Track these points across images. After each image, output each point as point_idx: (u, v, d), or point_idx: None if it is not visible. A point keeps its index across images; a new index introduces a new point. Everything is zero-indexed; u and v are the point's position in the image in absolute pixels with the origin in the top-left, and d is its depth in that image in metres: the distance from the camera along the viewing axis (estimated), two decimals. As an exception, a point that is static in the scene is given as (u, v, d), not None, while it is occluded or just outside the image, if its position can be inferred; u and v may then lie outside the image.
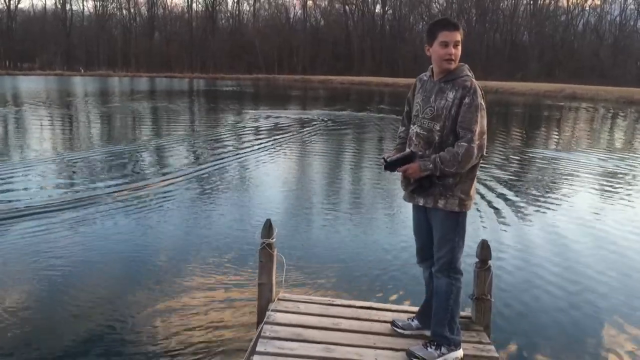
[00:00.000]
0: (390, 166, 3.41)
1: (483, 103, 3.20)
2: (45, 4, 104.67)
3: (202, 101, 39.28)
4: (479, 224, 8.25)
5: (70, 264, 6.34)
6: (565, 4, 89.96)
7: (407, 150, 3.46)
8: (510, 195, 10.52)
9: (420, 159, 3.32)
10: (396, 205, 9.51)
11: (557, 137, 22.94)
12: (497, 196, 10.30)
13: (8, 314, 5.04)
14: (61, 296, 5.53)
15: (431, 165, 3.24)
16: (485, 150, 3.26)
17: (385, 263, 6.54)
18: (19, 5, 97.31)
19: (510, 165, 14.19)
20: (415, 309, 3.94)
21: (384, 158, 3.46)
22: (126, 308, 5.22)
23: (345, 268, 6.31)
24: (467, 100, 3.17)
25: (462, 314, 3.85)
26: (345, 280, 5.93)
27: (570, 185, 11.78)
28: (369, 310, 4.08)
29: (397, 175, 3.48)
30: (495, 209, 9.34)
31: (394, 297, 5.49)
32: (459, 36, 3.25)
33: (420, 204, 3.46)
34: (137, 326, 4.86)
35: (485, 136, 3.23)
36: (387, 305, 4.34)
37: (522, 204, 9.85)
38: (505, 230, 8.11)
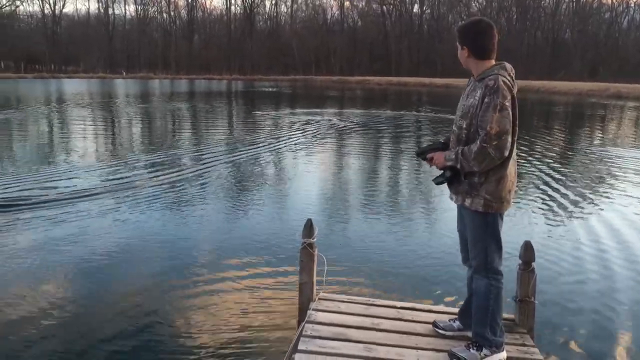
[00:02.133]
0: (421, 153, 3.59)
1: (506, 103, 3.15)
2: (88, 8, 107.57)
3: (241, 102, 39.70)
4: (523, 224, 8.13)
5: (110, 253, 6.59)
6: (610, 1, 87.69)
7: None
8: (555, 193, 10.32)
9: (450, 151, 3.41)
10: (441, 203, 9.44)
11: (602, 134, 22.38)
12: (543, 194, 10.13)
13: (47, 302, 5.23)
14: (100, 285, 5.72)
15: (454, 157, 3.31)
16: (507, 152, 3.19)
17: (427, 262, 6.51)
18: (64, 10, 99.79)
19: (555, 162, 13.90)
20: (458, 310, 3.91)
21: (418, 146, 3.61)
22: (164, 303, 5.32)
23: (386, 268, 6.29)
24: (486, 99, 3.17)
25: (506, 316, 3.80)
26: (386, 280, 5.91)
27: (619, 182, 11.49)
28: (410, 311, 4.06)
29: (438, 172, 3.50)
30: (541, 207, 9.18)
31: (435, 297, 5.46)
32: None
33: (454, 201, 3.51)
34: (175, 322, 4.94)
35: (507, 137, 3.16)
36: (429, 306, 4.31)
37: (568, 202, 9.65)
38: (550, 230, 7.97)
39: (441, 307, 4.43)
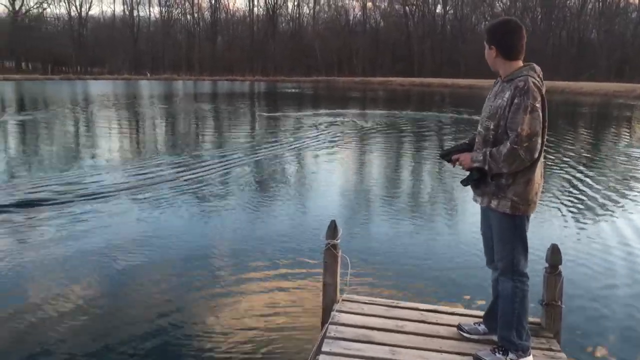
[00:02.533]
0: (446, 155, 3.57)
1: (537, 105, 3.12)
2: (114, 11, 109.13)
3: (263, 103, 39.89)
4: (550, 226, 8.02)
5: (135, 251, 6.69)
6: (637, 1, 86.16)
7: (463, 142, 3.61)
8: (582, 195, 10.17)
9: (476, 152, 3.39)
10: (464, 205, 9.38)
11: (629, 135, 21.99)
12: (569, 196, 9.99)
13: (73, 299, 5.31)
14: (125, 284, 5.80)
15: (481, 158, 3.28)
16: (537, 153, 3.17)
17: (451, 264, 6.45)
18: (90, 12, 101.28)
19: (582, 164, 13.69)
20: (482, 313, 3.87)
21: (442, 147, 3.58)
22: (187, 302, 5.35)
23: (409, 269, 6.26)
24: (516, 100, 3.14)
25: (532, 319, 3.75)
26: (410, 282, 5.88)
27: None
28: (434, 314, 4.03)
29: (463, 173, 3.48)
30: (568, 209, 9.05)
31: (460, 300, 5.40)
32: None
33: (478, 203, 3.48)
34: (197, 322, 4.96)
35: (537, 139, 3.13)
36: (453, 309, 4.27)
37: (595, 205, 9.50)
38: (578, 232, 7.85)
39: (465, 310, 4.38)
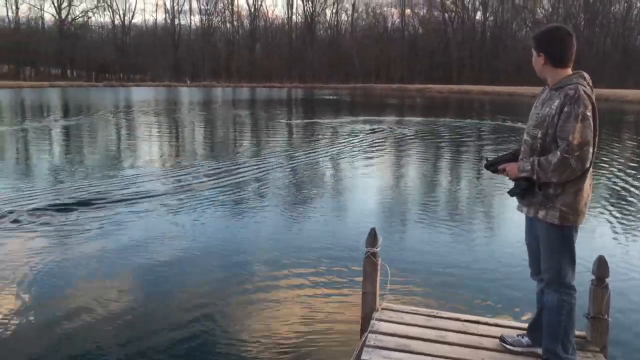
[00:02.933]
0: (491, 165, 3.51)
1: (588, 113, 3.05)
2: (156, 19, 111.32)
3: (300, 109, 40.10)
4: (597, 237, 7.81)
5: (171, 256, 6.80)
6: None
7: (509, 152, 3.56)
8: (630, 206, 9.89)
9: (523, 161, 3.31)
10: (505, 214, 9.22)
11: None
12: (617, 207, 9.72)
13: (110, 300, 5.42)
14: (161, 287, 5.88)
15: (529, 167, 3.21)
16: (589, 163, 3.10)
17: (494, 275, 6.33)
18: (133, 21, 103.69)
19: (629, 174, 13.29)
20: (526, 325, 3.78)
21: (486, 158, 3.53)
22: (223, 308, 5.38)
23: (450, 279, 6.17)
24: (566, 109, 3.08)
25: (577, 333, 3.64)
26: (450, 291, 5.79)
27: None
28: (476, 324, 3.96)
29: (511, 182, 3.41)
30: (616, 220, 8.80)
31: (502, 311, 5.29)
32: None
33: (524, 213, 3.41)
34: (233, 328, 4.97)
35: (588, 148, 3.06)
36: (496, 320, 4.18)
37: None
38: (627, 245, 7.63)
39: (508, 321, 4.28)
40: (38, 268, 6.35)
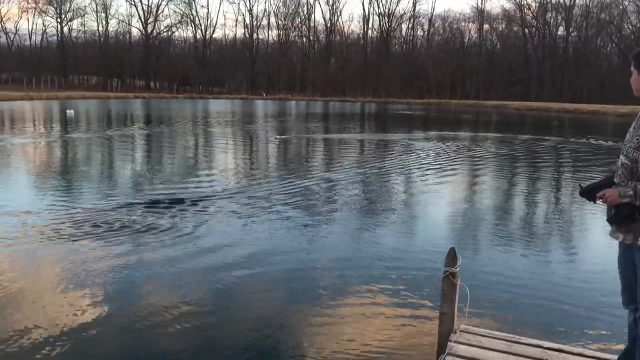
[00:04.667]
0: (587, 193, 3.33)
1: None
2: (235, 34, 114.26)
3: (373, 124, 40.05)
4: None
5: (238, 265, 6.98)
6: None
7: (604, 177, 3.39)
8: None
9: (621, 186, 3.13)
10: (591, 238, 8.85)
11: None
12: None
13: (177, 304, 5.58)
14: (226, 296, 6.03)
15: (631, 193, 3.04)
16: None
17: (578, 301, 6.07)
18: (214, 35, 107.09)
19: None
20: (613, 357, 3.59)
21: (579, 184, 3.34)
22: (291, 322, 5.40)
23: (532, 303, 5.95)
24: None
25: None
26: (532, 316, 5.58)
27: None
28: (558, 353, 3.80)
29: (594, 206, 3.27)
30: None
31: (588, 340, 5.05)
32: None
33: (619, 240, 3.23)
34: (304, 347, 4.94)
35: None
36: (581, 349, 4.00)
37: None
38: None
39: (595, 352, 4.08)
40: (115, 268, 6.64)
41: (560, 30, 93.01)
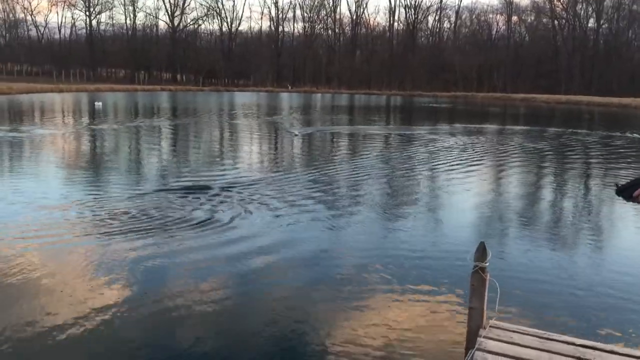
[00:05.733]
0: (623, 191, 3.19)
1: None
2: (261, 27, 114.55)
3: (398, 116, 39.80)
4: None
5: (266, 255, 6.96)
6: None
7: None
8: None
9: None
10: (630, 236, 8.68)
11: None
12: None
13: (204, 295, 5.60)
14: (253, 287, 6.05)
15: None
16: None
17: (611, 299, 5.94)
18: (239, 28, 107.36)
19: None
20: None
21: (616, 184, 3.23)
22: (319, 314, 5.38)
23: (564, 299, 5.87)
24: None
25: None
26: (563, 313, 5.48)
27: None
28: (592, 350, 3.71)
29: (627, 203, 3.17)
30: None
31: (621, 338, 4.94)
32: None
33: None
34: (332, 338, 4.93)
35: None
36: (613, 347, 3.90)
37: None
38: None
39: (629, 349, 3.98)
40: (142, 253, 6.70)
41: (591, 22, 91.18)
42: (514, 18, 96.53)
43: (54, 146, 18.11)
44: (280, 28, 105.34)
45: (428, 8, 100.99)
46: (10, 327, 4.91)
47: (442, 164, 15.71)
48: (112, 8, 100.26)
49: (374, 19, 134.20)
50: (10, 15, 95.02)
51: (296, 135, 22.91)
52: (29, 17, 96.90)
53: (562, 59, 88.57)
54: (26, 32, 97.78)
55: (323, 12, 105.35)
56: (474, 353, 3.54)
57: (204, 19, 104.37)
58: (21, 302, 5.46)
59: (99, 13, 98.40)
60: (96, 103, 37.23)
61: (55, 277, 6.15)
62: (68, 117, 30.07)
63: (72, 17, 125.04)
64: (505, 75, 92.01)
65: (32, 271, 6.26)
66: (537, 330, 4.04)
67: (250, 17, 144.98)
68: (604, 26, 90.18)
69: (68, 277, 6.17)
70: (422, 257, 7.16)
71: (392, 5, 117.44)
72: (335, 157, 16.94)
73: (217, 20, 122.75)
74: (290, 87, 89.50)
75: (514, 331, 3.92)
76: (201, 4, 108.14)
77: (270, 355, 4.62)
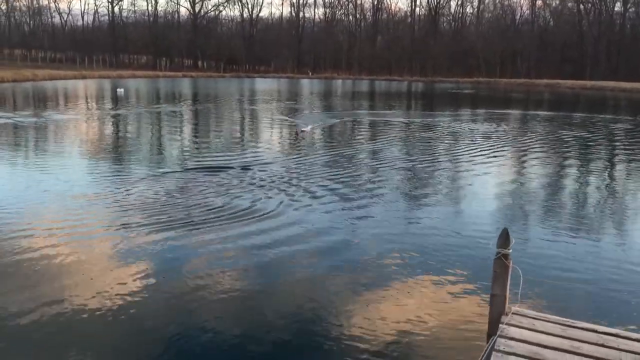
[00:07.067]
0: None
1: None
2: (282, 13, 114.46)
3: (420, 102, 39.50)
4: None
5: (281, 245, 6.94)
6: None
7: None
8: None
9: None
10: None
11: None
12: None
13: (222, 284, 5.67)
14: (272, 277, 6.06)
15: None
16: None
17: (634, 287, 5.88)
18: (260, 14, 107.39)
19: None
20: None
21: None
22: (342, 304, 5.39)
23: (588, 287, 5.82)
24: None
25: None
26: (586, 301, 5.46)
27: None
28: (615, 338, 3.69)
29: None
30: None
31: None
32: None
33: None
34: (353, 324, 4.95)
35: None
36: (637, 335, 3.87)
37: None
38: None
39: (652, 339, 3.95)
40: (164, 238, 6.80)
41: (617, 6, 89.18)
42: (539, 2, 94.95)
43: (77, 130, 18.40)
44: (301, 14, 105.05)
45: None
46: (50, 303, 5.04)
47: (465, 151, 15.59)
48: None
49: (396, 4, 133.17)
50: (34, 2, 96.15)
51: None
52: (52, 4, 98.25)
53: (588, 44, 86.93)
54: (50, 19, 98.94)
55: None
56: (496, 339, 3.54)
57: (225, 5, 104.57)
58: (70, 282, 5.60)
59: (121, 0, 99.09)
60: (118, 89, 37.55)
61: (83, 263, 6.28)
62: (91, 103, 30.49)
63: (95, 3, 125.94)
64: (529, 60, 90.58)
65: (64, 255, 6.40)
66: (559, 318, 4.02)
67: (271, 3, 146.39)
68: (630, 10, 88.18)
69: (97, 264, 6.29)
70: (444, 244, 7.15)
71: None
72: (356, 144, 16.91)
73: (237, 7, 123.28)
74: (310, 73, 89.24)
75: (536, 318, 3.91)
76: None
77: (290, 340, 4.67)
